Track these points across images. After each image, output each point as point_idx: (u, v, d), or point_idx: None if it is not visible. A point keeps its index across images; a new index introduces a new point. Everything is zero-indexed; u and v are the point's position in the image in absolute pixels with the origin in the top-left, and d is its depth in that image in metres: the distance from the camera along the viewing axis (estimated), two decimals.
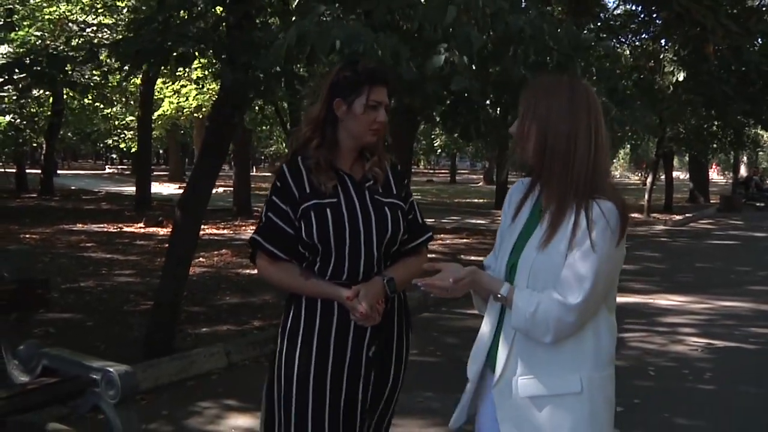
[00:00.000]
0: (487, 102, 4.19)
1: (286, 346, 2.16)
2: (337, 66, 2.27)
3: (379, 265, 2.16)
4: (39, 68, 4.08)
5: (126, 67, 4.12)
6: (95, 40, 17.46)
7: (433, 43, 3.42)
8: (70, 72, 4.36)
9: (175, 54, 3.89)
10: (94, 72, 11.49)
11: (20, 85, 4.27)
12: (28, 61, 4.26)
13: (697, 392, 4.87)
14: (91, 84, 12.35)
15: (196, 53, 4.02)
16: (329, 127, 2.16)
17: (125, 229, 13.41)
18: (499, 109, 4.28)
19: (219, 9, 4.48)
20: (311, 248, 2.12)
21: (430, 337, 6.21)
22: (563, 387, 1.82)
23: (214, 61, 4.42)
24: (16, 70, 4.17)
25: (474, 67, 3.52)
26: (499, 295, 1.85)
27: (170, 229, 13.26)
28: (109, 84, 19.43)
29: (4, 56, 15.96)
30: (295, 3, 4.04)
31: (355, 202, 2.15)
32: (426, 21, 3.34)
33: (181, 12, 4.16)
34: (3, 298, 3.32)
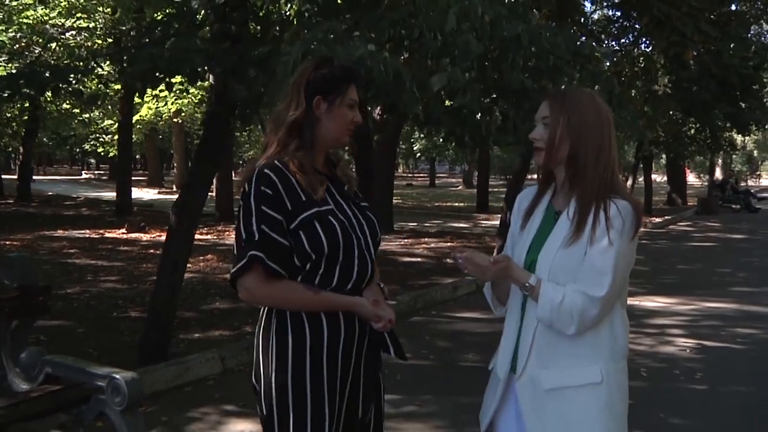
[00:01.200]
0: (489, 108, 4.24)
1: (291, 369, 1.99)
2: (309, 62, 2.15)
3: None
4: (41, 79, 4.02)
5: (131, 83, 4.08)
6: (72, 44, 17.30)
7: (434, 52, 3.44)
8: (74, 82, 4.31)
9: (186, 71, 3.84)
10: (90, 80, 11.34)
11: (16, 97, 4.17)
12: (29, 73, 4.20)
13: (690, 392, 4.95)
14: (99, 94, 12.14)
15: (206, 70, 3.99)
16: (307, 127, 2.05)
17: (107, 234, 13.29)
18: (498, 115, 4.32)
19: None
20: (312, 260, 1.99)
21: (422, 340, 6.23)
22: (584, 378, 1.91)
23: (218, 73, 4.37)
24: (21, 82, 4.11)
25: (472, 75, 3.56)
26: (527, 284, 1.91)
27: (153, 235, 13.10)
28: (100, 92, 19.22)
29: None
30: (290, 10, 4.04)
31: (346, 208, 2.08)
32: (427, 29, 3.36)
33: (180, 22, 4.13)
34: (4, 305, 3.29)
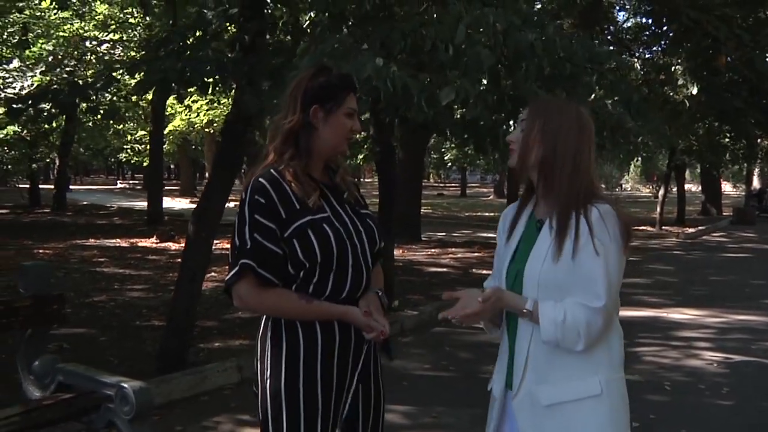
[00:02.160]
0: (502, 115, 4.20)
1: (285, 378, 1.99)
2: (306, 71, 2.14)
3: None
4: (62, 97, 4.10)
5: (148, 95, 4.14)
6: (107, 57, 17.62)
7: (445, 65, 3.42)
8: (92, 97, 4.38)
9: (198, 82, 3.87)
10: (113, 94, 11.56)
11: (43, 114, 4.25)
12: (52, 90, 4.28)
13: (715, 408, 4.81)
14: (117, 108, 12.33)
15: (217, 80, 4.02)
16: (304, 136, 2.04)
17: (138, 243, 13.47)
18: (513, 123, 4.28)
19: (232, 28, 4.50)
20: (306, 269, 1.98)
21: (443, 351, 6.18)
22: (584, 391, 1.86)
23: (230, 84, 4.39)
24: (43, 104, 4.20)
25: (484, 86, 3.52)
26: (524, 310, 1.87)
27: (182, 244, 13.29)
28: (125, 103, 19.66)
29: (17, 70, 16.16)
30: (306, 22, 4.06)
31: (343, 215, 2.07)
32: (438, 40, 3.34)
33: (196, 32, 4.18)
34: (19, 314, 3.34)
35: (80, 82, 4.44)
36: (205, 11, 4.08)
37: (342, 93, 2.06)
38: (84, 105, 4.32)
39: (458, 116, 3.93)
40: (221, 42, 4.46)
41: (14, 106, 4.33)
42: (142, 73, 3.99)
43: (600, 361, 1.88)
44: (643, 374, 5.50)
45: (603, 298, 1.81)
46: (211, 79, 3.93)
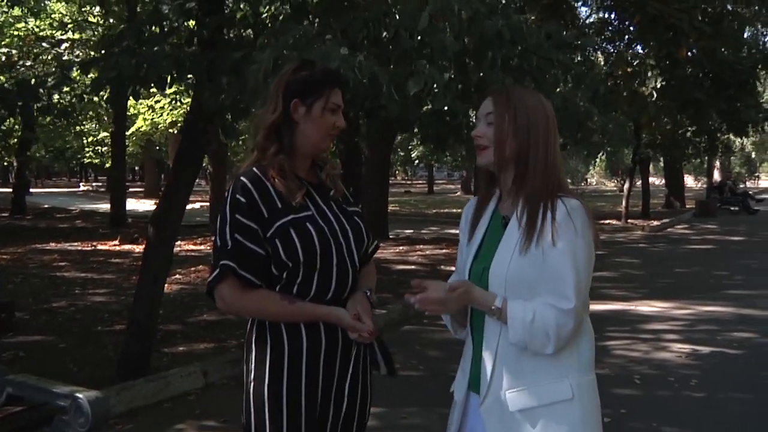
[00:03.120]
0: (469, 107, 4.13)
1: (268, 382, 1.93)
2: (290, 66, 2.07)
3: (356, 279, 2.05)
4: (9, 98, 3.91)
5: (103, 93, 3.97)
6: (65, 57, 17.21)
7: (409, 52, 3.33)
8: (44, 97, 4.18)
9: (153, 78, 3.72)
10: (68, 93, 11.26)
11: None
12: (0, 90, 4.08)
13: (685, 400, 4.81)
14: (69, 108, 11.98)
15: (174, 77, 3.86)
16: (286, 132, 1.98)
17: (99, 247, 13.17)
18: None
19: (191, 23, 4.35)
20: (289, 269, 1.92)
21: (412, 350, 6.11)
22: (554, 395, 1.78)
23: (188, 80, 4.24)
24: None
25: (451, 75, 3.44)
26: (493, 307, 1.78)
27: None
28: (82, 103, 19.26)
29: None
30: (266, 14, 3.93)
31: (328, 214, 2.00)
32: (401, 27, 3.25)
33: (152, 27, 4.01)
34: None
35: (32, 81, 4.23)
36: (162, 5, 3.93)
37: (325, 87, 1.98)
38: (36, 105, 4.12)
39: (425, 108, 3.84)
40: (179, 37, 4.30)
41: None
42: (97, 71, 3.82)
43: (570, 364, 1.80)
44: (612, 368, 5.49)
45: (572, 300, 1.73)
46: (168, 76, 3.78)
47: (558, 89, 4.21)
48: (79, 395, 2.87)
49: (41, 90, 3.99)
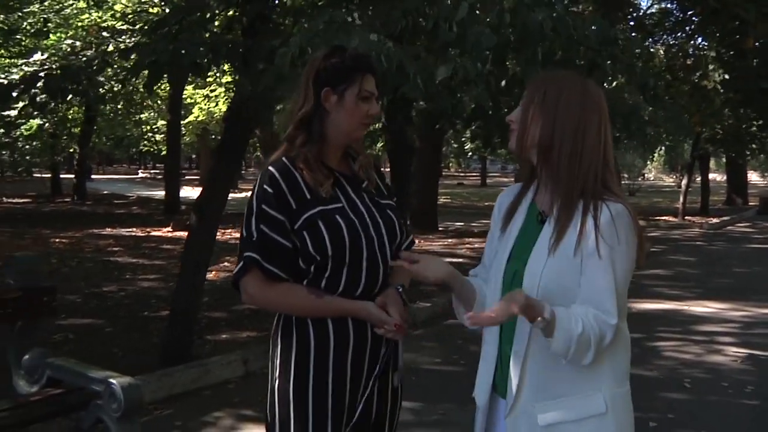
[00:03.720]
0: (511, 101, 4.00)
1: (293, 380, 1.87)
2: (320, 52, 1.99)
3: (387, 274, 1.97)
4: (52, 82, 3.99)
5: (140, 78, 4.00)
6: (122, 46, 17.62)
7: (447, 45, 3.23)
8: (85, 82, 4.25)
9: (188, 64, 3.72)
10: (111, 80, 11.51)
11: (36, 100, 4.13)
12: (43, 76, 4.17)
13: (738, 407, 4.59)
14: (109, 94, 12.26)
15: (210, 62, 3.86)
16: (316, 120, 1.90)
17: (153, 233, 13.46)
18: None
19: (232, 11, 4.35)
20: (317, 262, 1.85)
21: (454, 345, 6.02)
22: (587, 409, 1.65)
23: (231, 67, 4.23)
24: (38, 87, 4.08)
25: (487, 67, 3.32)
26: (542, 318, 1.57)
27: None
28: (138, 90, 19.74)
29: (36, 63, 16.22)
30: (305, 2, 3.89)
31: (359, 206, 1.92)
32: (441, 18, 3.16)
33: (194, 14, 4.02)
34: (8, 305, 3.23)
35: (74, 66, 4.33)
36: None
37: (356, 74, 1.91)
38: (64, 91, 4.18)
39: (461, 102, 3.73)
40: (219, 25, 4.30)
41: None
42: (135, 59, 3.86)
43: (604, 375, 1.67)
44: (661, 370, 5.30)
45: (615, 316, 1.60)
46: (203, 62, 3.79)
47: (607, 83, 4.06)
48: (113, 381, 2.90)
49: (82, 75, 4.06)
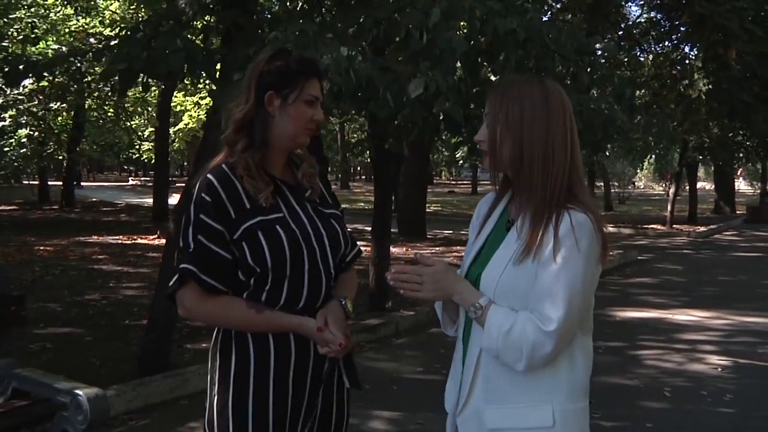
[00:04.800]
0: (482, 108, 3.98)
1: (233, 395, 1.79)
2: (264, 55, 1.92)
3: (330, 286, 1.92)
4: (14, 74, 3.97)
5: (111, 83, 3.98)
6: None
7: (419, 53, 3.20)
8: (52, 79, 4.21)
9: (163, 72, 3.68)
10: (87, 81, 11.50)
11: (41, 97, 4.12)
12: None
13: (717, 416, 4.59)
14: (98, 100, 12.25)
15: (187, 72, 3.82)
16: (258, 125, 1.83)
17: (139, 241, 13.39)
18: None
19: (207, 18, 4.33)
20: (257, 275, 1.78)
21: (437, 354, 5.99)
22: (534, 420, 1.63)
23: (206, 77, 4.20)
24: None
25: (456, 79, 3.29)
26: (474, 305, 1.63)
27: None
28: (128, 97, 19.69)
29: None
30: (277, 8, 3.87)
31: (301, 216, 1.85)
32: (413, 28, 3.14)
33: (169, 21, 3.99)
34: None
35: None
36: (179, 0, 3.90)
37: (301, 78, 1.84)
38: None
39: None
40: (195, 32, 4.28)
41: None
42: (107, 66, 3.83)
43: (557, 388, 1.63)
44: (642, 379, 5.29)
45: (555, 323, 1.56)
46: (179, 71, 3.75)
47: (585, 92, 4.06)
48: (79, 392, 2.86)
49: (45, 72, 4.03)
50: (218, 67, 4.03)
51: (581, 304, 1.61)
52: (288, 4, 3.88)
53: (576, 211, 1.61)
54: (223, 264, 1.77)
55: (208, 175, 1.79)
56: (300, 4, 3.75)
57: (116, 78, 3.78)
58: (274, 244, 1.77)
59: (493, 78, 3.89)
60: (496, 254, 1.68)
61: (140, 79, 3.98)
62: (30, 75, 4.14)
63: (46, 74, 4.19)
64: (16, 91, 14.97)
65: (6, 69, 4.08)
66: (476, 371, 1.68)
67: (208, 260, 1.76)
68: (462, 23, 3.22)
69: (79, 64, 4.48)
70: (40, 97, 17.60)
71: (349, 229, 2.04)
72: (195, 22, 4.21)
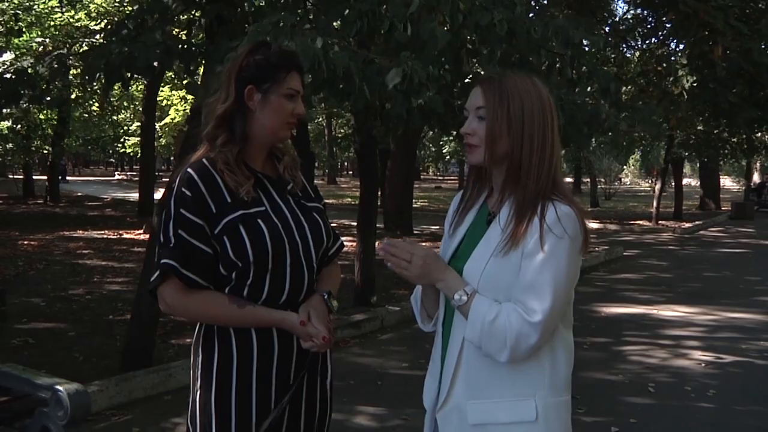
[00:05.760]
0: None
1: (215, 391, 1.78)
2: (243, 49, 1.90)
3: (313, 280, 1.90)
4: (7, 86, 3.90)
5: (93, 80, 3.92)
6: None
7: (402, 45, 3.18)
8: (45, 87, 4.16)
9: (141, 66, 3.63)
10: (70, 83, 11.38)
11: None
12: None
13: (700, 411, 4.61)
14: (67, 98, 12.05)
15: (162, 64, 3.77)
16: (238, 119, 1.81)
17: (125, 235, 13.31)
18: None
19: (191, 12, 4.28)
20: (238, 269, 1.76)
21: (422, 349, 5.98)
22: (517, 415, 1.62)
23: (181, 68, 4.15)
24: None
25: (438, 70, 3.27)
26: (458, 294, 1.62)
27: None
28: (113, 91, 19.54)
29: (6, 63, 15.98)
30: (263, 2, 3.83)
31: (284, 209, 1.84)
32: (396, 19, 3.11)
33: (154, 16, 3.94)
34: None
35: (30, 71, 4.21)
36: None
37: (281, 72, 1.82)
38: (29, 93, 4.08)
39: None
40: (179, 27, 4.23)
41: None
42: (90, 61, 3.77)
43: (539, 382, 1.63)
44: (626, 374, 5.31)
45: (540, 314, 1.56)
46: (155, 64, 3.71)
47: (570, 87, 4.06)
48: (59, 388, 2.82)
49: (41, 81, 3.97)
50: (202, 61, 4.01)
51: (565, 295, 1.61)
52: None
53: (560, 203, 1.61)
54: (205, 258, 1.75)
55: (188, 170, 1.77)
56: None
57: (99, 75, 3.73)
58: (256, 238, 1.75)
59: (482, 72, 3.86)
60: (478, 247, 1.68)
61: (119, 75, 3.92)
62: (22, 91, 4.05)
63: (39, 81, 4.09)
64: None
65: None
66: (458, 365, 1.67)
67: (188, 255, 1.74)
68: (444, 16, 3.20)
69: (69, 64, 4.40)
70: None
71: (335, 224, 2.02)
72: (179, 17, 4.16)
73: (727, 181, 46.50)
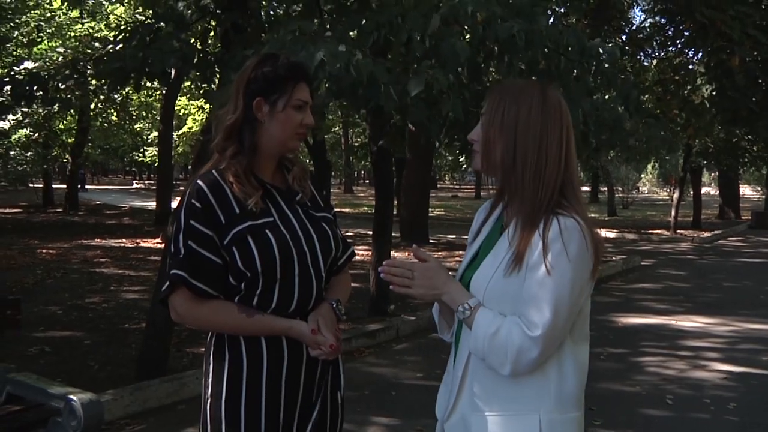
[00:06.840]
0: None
1: (225, 399, 1.80)
2: (251, 61, 1.91)
3: (322, 289, 1.91)
4: (19, 87, 3.95)
5: (106, 84, 3.96)
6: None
7: (420, 58, 3.18)
8: (57, 88, 4.21)
9: (156, 72, 3.67)
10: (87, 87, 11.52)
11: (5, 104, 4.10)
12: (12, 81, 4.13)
13: (719, 424, 4.53)
14: (75, 101, 12.20)
15: (179, 71, 3.80)
16: (247, 131, 1.83)
17: (142, 244, 13.39)
18: None
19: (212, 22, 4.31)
20: (247, 279, 1.79)
21: (437, 359, 5.95)
22: (518, 429, 1.59)
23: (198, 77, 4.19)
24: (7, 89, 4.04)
25: (461, 81, 3.27)
26: (463, 307, 1.60)
27: None
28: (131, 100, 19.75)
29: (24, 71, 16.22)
30: (279, 10, 3.84)
31: (292, 220, 1.86)
32: (415, 32, 3.11)
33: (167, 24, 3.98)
34: None
35: (42, 73, 4.27)
36: (177, 2, 3.88)
37: (289, 83, 1.84)
38: (29, 98, 4.13)
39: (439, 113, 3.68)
40: (194, 34, 4.26)
41: None
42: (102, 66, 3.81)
43: (544, 397, 1.59)
44: (643, 386, 5.24)
45: (540, 328, 1.53)
46: (171, 70, 3.73)
47: (595, 95, 4.01)
48: (73, 397, 2.83)
49: (52, 82, 4.02)
50: (218, 69, 4.03)
51: (569, 310, 1.57)
52: (286, 6, 3.85)
53: (565, 216, 1.58)
54: (214, 269, 1.77)
55: (198, 181, 1.80)
56: (300, 7, 3.72)
57: (109, 81, 3.77)
58: (264, 248, 1.77)
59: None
60: (486, 259, 1.66)
61: (132, 80, 3.95)
62: (36, 90, 4.10)
63: (51, 83, 4.16)
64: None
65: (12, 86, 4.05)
66: (464, 377, 1.66)
67: (198, 265, 1.76)
68: (465, 28, 3.19)
69: (81, 69, 4.46)
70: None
71: (351, 233, 2.03)
72: (195, 25, 4.19)
73: (746, 190, 45.99)
